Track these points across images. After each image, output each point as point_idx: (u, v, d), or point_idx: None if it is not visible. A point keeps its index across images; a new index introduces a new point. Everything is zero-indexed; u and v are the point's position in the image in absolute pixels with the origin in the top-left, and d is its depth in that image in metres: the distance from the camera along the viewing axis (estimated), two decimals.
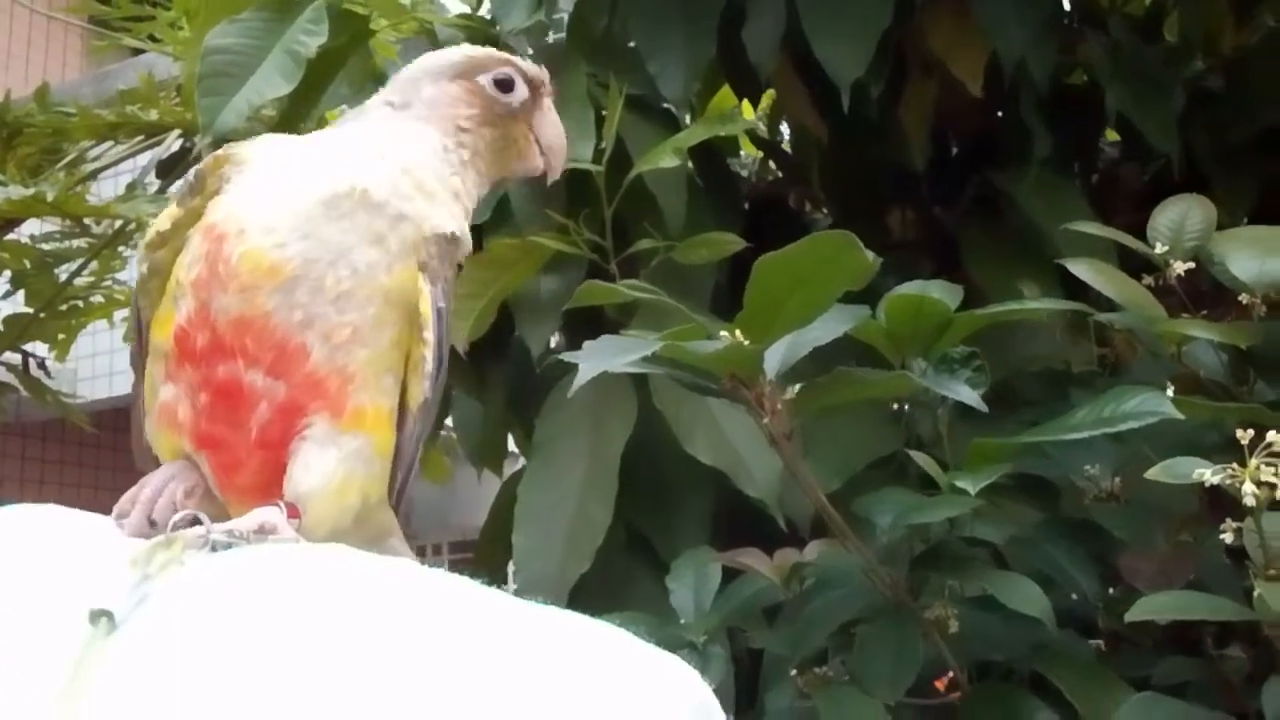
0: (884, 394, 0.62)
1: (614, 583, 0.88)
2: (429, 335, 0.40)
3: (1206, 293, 0.63)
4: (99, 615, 0.28)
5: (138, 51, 1.96)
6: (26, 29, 3.73)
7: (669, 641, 0.70)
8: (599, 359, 0.45)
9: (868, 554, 0.54)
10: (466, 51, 0.45)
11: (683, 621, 0.72)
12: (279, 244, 0.37)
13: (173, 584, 0.30)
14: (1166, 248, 0.61)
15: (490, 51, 0.45)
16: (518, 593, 0.91)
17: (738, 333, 0.46)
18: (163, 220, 0.39)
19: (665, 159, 0.79)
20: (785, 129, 1.36)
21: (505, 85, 0.44)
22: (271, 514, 0.36)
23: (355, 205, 0.38)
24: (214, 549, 0.33)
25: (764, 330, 0.46)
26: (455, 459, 1.61)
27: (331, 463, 0.38)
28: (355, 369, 0.38)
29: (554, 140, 0.46)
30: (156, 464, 0.40)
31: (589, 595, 0.85)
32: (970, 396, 0.53)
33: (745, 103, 1.31)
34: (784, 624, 0.60)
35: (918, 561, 0.56)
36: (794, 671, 0.56)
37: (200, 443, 0.38)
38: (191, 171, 0.39)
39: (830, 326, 0.50)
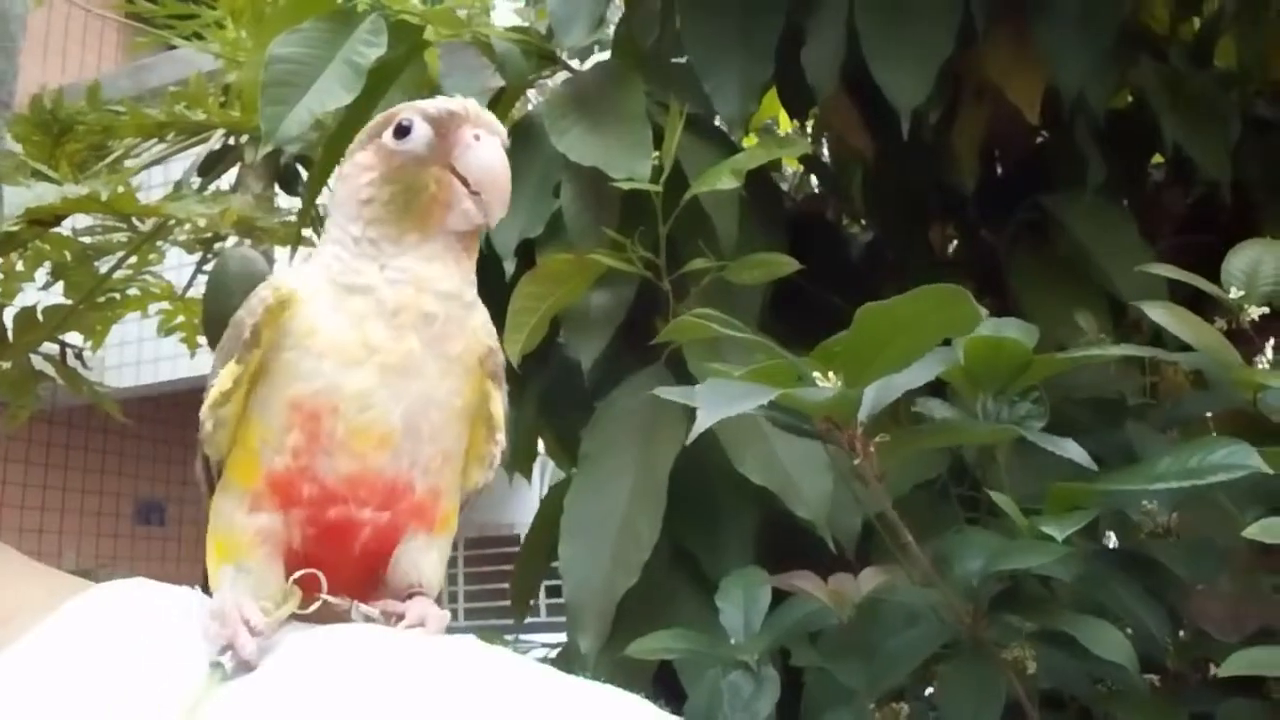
0: (982, 442, 0.63)
1: (657, 598, 0.89)
2: (500, 437, 0.42)
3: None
4: (217, 666, 0.31)
5: (172, 45, 1.97)
6: (64, 21, 3.76)
7: (721, 661, 0.70)
8: (717, 406, 0.46)
9: (948, 591, 0.54)
10: (384, 113, 0.41)
11: (733, 641, 0.72)
12: (381, 417, 0.38)
13: (286, 648, 0.33)
14: (1241, 293, 0.62)
15: (404, 105, 0.41)
16: (566, 603, 0.90)
17: (830, 375, 0.47)
18: (225, 380, 0.39)
19: (724, 180, 0.80)
20: (824, 142, 1.37)
21: (402, 131, 0.39)
22: (431, 610, 0.38)
23: (415, 361, 0.39)
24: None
25: (859, 374, 0.47)
26: None
27: (437, 558, 0.41)
28: (443, 486, 0.41)
29: (482, 175, 0.39)
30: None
31: (632, 609, 0.86)
32: (1079, 454, 0.53)
33: (785, 115, 1.31)
34: (849, 653, 0.60)
35: (996, 601, 0.56)
36: (872, 706, 0.56)
37: (299, 561, 0.39)
38: (247, 328, 0.38)
39: (921, 371, 0.50)
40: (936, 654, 0.56)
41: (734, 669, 0.69)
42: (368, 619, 0.37)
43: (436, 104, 0.40)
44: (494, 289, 0.98)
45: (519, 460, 1.36)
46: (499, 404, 0.41)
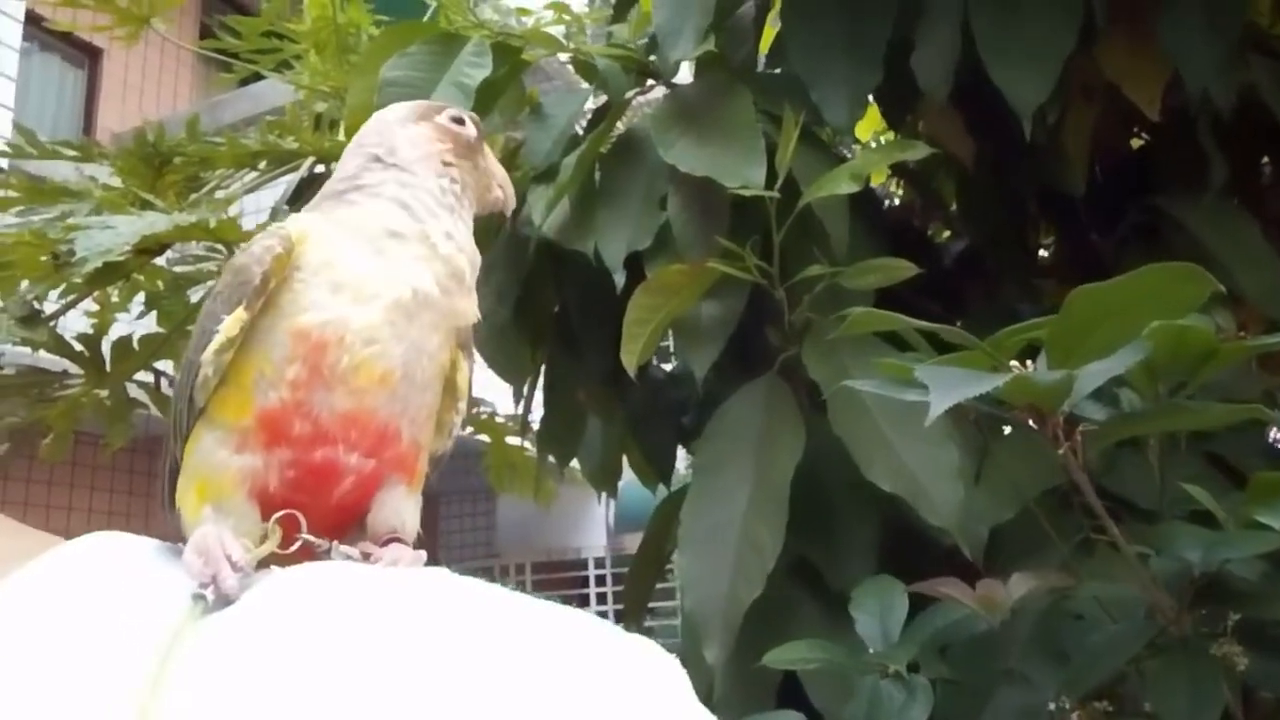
0: (1218, 424, 0.60)
1: (776, 607, 0.88)
2: (463, 405, 0.44)
3: None
4: (198, 598, 0.31)
5: (244, 81, 2.03)
6: (141, 61, 3.91)
7: (861, 670, 0.69)
8: (948, 393, 0.45)
9: (1150, 584, 0.53)
10: (413, 103, 0.48)
11: (871, 650, 0.71)
12: (383, 353, 0.40)
13: (268, 582, 0.32)
14: None
15: (435, 102, 0.48)
16: (686, 614, 0.89)
17: (1029, 364, 0.46)
18: (233, 326, 0.39)
19: (845, 185, 0.79)
20: None
21: (459, 121, 0.46)
22: (406, 553, 0.39)
23: (420, 306, 0.41)
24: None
25: (1064, 359, 0.46)
26: (554, 479, 1.62)
27: (414, 509, 0.42)
28: (424, 439, 0.43)
29: (502, 173, 0.48)
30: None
31: (751, 618, 0.85)
32: None
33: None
34: (1029, 655, 0.59)
35: (1202, 593, 0.55)
36: (1068, 707, 0.55)
37: (276, 507, 0.39)
38: (257, 276, 0.39)
39: (1124, 358, 0.49)
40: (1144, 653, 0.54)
41: (873, 678, 0.67)
42: (347, 559, 0.38)
43: (466, 112, 0.47)
44: (604, 302, 0.99)
45: (603, 477, 1.36)
46: (465, 374, 0.44)
